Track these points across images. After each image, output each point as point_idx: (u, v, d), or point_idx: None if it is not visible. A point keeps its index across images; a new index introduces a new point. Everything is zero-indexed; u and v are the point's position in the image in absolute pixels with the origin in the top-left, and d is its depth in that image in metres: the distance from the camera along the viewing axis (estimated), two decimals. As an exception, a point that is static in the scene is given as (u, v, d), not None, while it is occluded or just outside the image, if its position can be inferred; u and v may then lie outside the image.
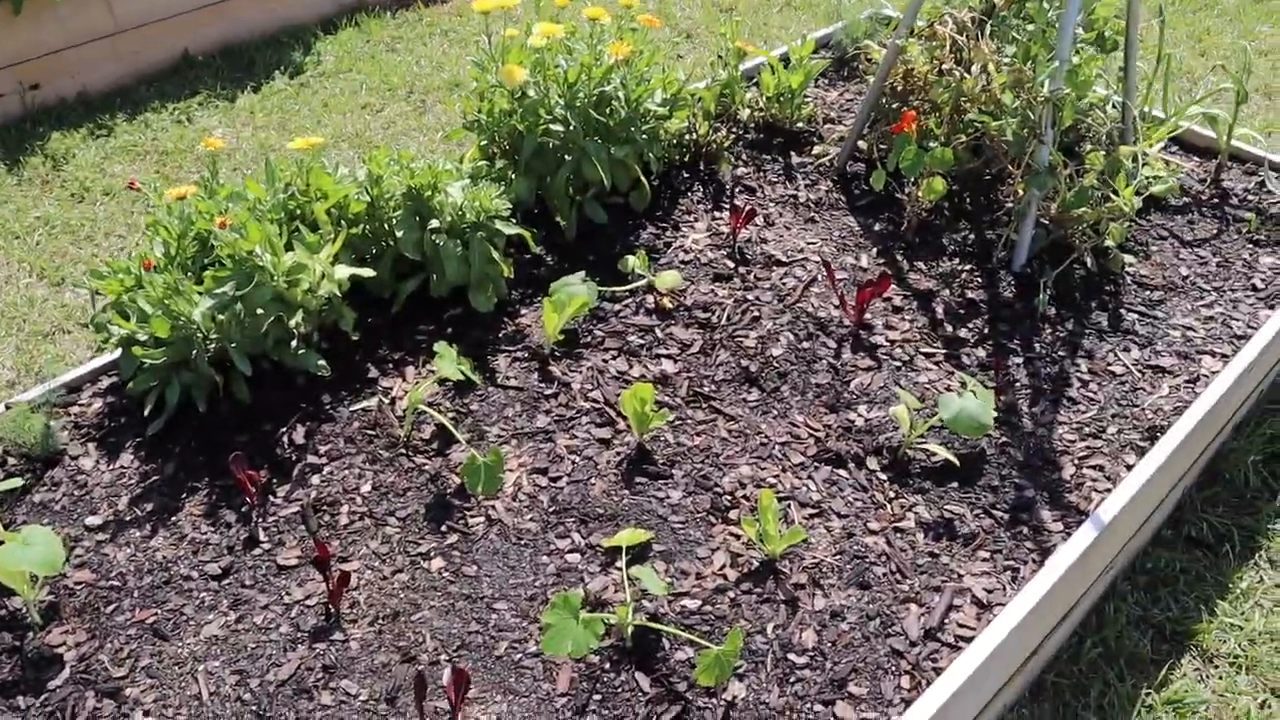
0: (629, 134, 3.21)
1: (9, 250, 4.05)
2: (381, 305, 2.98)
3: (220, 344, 2.55)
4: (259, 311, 2.55)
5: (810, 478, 2.51)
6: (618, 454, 2.58)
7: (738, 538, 2.37)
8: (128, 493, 2.54)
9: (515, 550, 2.39)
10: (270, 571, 2.37)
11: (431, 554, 2.39)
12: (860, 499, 2.47)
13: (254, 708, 2.13)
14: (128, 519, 2.49)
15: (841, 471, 2.53)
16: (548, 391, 2.75)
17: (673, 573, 2.30)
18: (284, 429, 2.66)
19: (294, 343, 2.62)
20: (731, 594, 2.25)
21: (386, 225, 2.86)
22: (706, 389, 2.74)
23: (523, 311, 3.01)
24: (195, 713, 2.13)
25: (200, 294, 2.54)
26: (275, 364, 2.74)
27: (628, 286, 3.01)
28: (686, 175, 3.55)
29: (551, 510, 2.46)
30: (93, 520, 2.48)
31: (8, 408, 2.71)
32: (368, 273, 2.77)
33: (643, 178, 3.26)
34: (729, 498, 2.46)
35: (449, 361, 2.54)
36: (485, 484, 2.44)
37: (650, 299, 3.00)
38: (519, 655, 2.18)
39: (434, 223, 2.84)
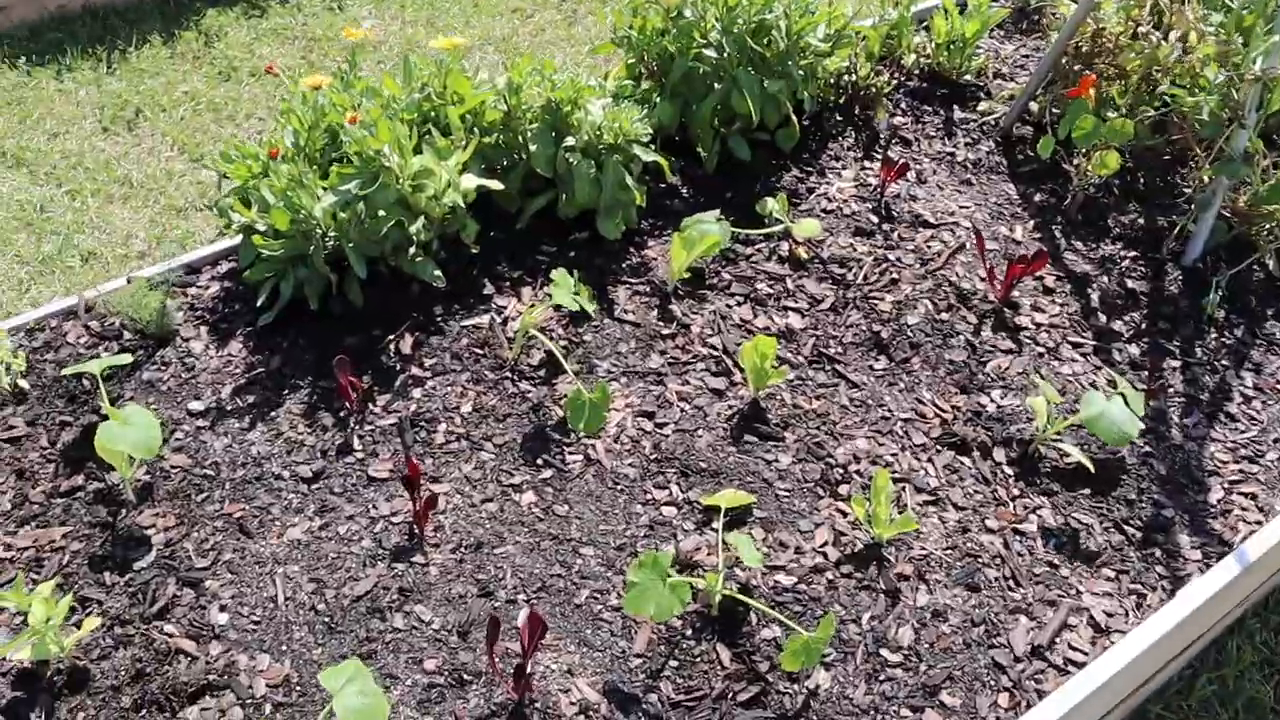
0: (785, 68, 3.01)
1: (155, 122, 4.08)
2: (505, 220, 2.88)
3: (338, 242, 2.48)
4: (380, 213, 2.48)
5: (930, 461, 2.34)
6: (730, 407, 2.45)
7: (844, 515, 2.22)
8: (232, 381, 2.52)
9: (610, 495, 2.28)
10: (360, 482, 2.32)
11: (524, 487, 2.30)
12: (980, 492, 2.29)
13: (326, 619, 2.09)
14: (229, 408, 2.47)
15: (964, 459, 2.35)
16: (665, 331, 2.62)
17: (771, 543, 2.17)
18: (392, 337, 2.60)
19: (412, 249, 2.54)
20: (830, 575, 2.12)
21: (521, 138, 2.74)
22: (832, 350, 2.57)
23: (650, 243, 2.87)
24: (269, 614, 2.10)
25: (324, 189, 2.47)
26: (392, 269, 2.67)
27: (763, 230, 2.84)
28: (839, 119, 3.34)
29: (653, 458, 2.35)
30: (195, 405, 2.47)
31: (129, 281, 2.71)
32: (496, 185, 2.66)
33: (793, 116, 3.06)
34: (840, 471, 2.30)
35: (565, 290, 2.43)
36: (588, 421, 2.33)
37: (785, 247, 2.83)
38: (599, 607, 2.09)
39: (570, 140, 2.71)
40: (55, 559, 2.20)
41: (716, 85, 2.97)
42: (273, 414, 2.45)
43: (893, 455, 2.34)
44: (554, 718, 1.93)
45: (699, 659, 2.00)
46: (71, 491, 2.32)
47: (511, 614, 2.08)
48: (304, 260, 2.55)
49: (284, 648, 2.06)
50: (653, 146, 2.82)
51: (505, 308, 2.68)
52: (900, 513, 2.21)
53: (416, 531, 2.21)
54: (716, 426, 2.41)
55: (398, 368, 2.54)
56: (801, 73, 3.05)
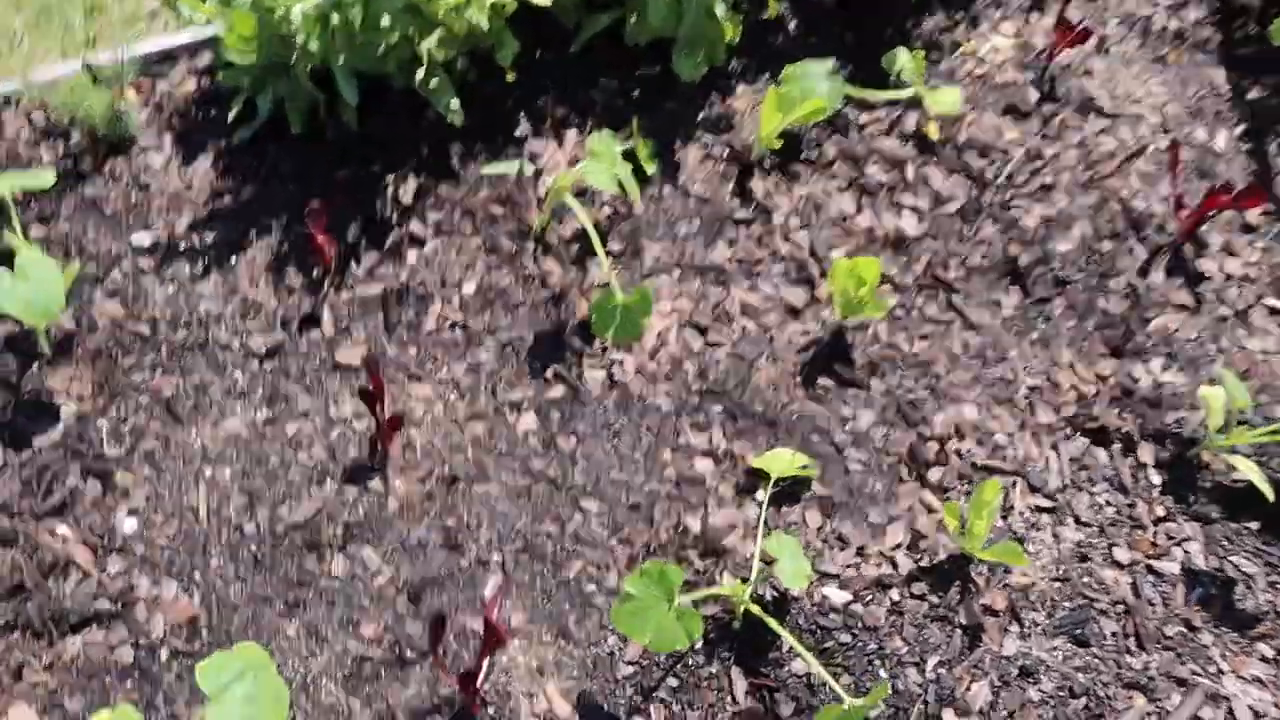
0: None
1: None
2: (557, 42, 2.24)
3: (325, 57, 1.91)
4: (383, 24, 1.88)
5: (1055, 449, 1.77)
6: (805, 334, 1.89)
7: (931, 511, 1.69)
8: (190, 212, 2.01)
9: (632, 430, 1.78)
10: (323, 368, 1.84)
11: (524, 406, 1.80)
12: (1114, 505, 1.73)
13: (252, 547, 1.66)
14: (181, 247, 1.97)
15: (1100, 453, 1.78)
16: (740, 215, 2.04)
17: (827, 535, 1.66)
18: (391, 178, 2.05)
19: (421, 71, 1.96)
20: (896, 594, 1.61)
21: (586, -66, 2.09)
22: (951, 274, 1.96)
23: (738, 90, 2.23)
24: (186, 530, 1.68)
25: (314, -21, 1.88)
26: (403, 89, 2.09)
27: (886, 94, 2.18)
28: (1009, -52, 2.57)
29: (696, 388, 1.82)
30: (141, 239, 1.98)
31: (87, 66, 2.18)
32: (543, 0, 2.03)
33: (949, -59, 2.33)
34: (936, 446, 1.75)
35: (604, 166, 1.83)
36: (620, 328, 1.80)
37: (912, 120, 2.17)
38: (592, 587, 1.62)
39: (648, -55, 2.05)
40: (-59, 419, 1.78)
41: (856, -113, 2.24)
42: (232, 260, 1.96)
43: (1007, 436, 1.77)
44: (509, 732, 1.51)
45: (706, 683, 1.54)
46: (-19, 329, 1.89)
47: (479, 578, 1.63)
48: (285, 71, 1.98)
49: (197, 577, 1.64)
50: (756, -34, 2.14)
51: (541, 155, 2.10)
52: (1004, 518, 1.67)
53: (379, 449, 1.74)
54: (784, 358, 1.86)
55: (393, 220, 2.01)
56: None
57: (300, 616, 1.61)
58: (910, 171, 2.09)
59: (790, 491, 1.70)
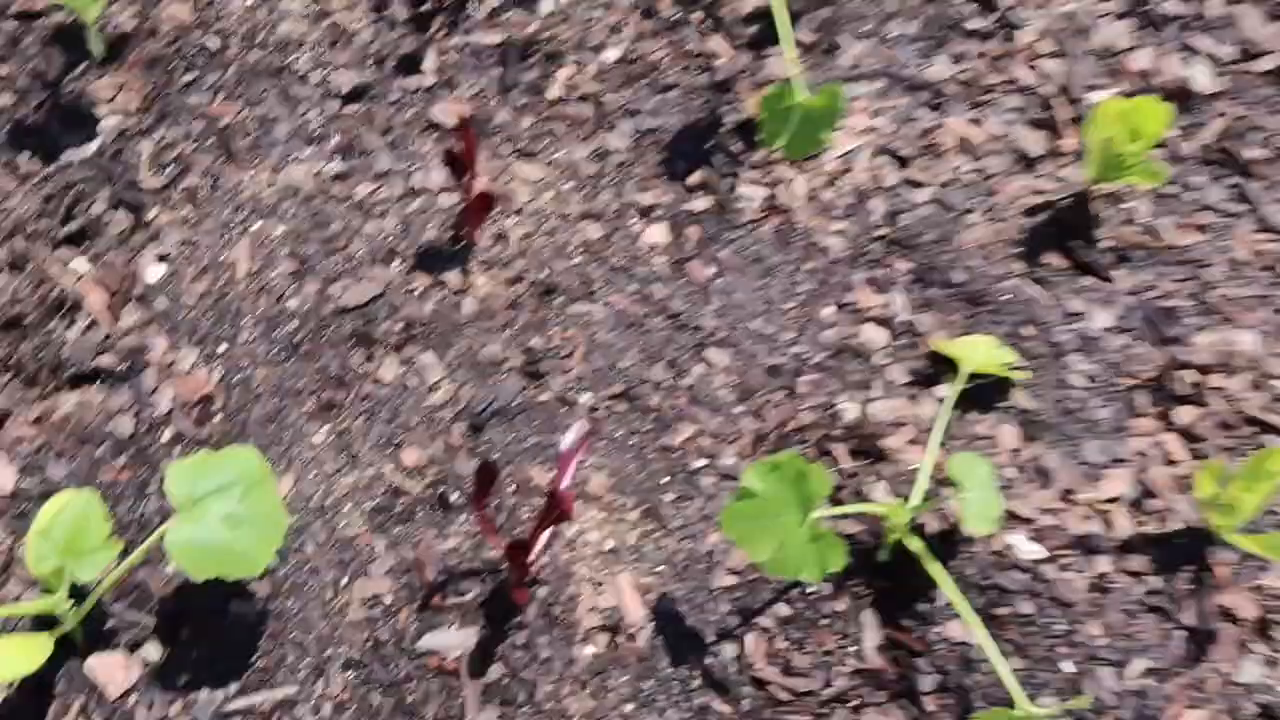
0: None
1: None
2: None
3: None
4: None
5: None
6: (1038, 193, 1.42)
7: (1170, 464, 1.24)
8: (294, -95, 1.62)
9: (788, 271, 1.36)
10: (416, 122, 1.47)
11: (655, 213, 1.40)
12: None
13: (291, 326, 1.33)
14: (275, -54, 1.59)
15: None
16: (974, 24, 1.53)
17: (1025, 463, 1.23)
18: (545, -98, 1.61)
19: None
20: (1105, 564, 1.17)
21: None
22: (1250, 152, 1.44)
23: None
24: (217, 291, 1.36)
25: None
26: None
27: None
28: None
29: (881, 234, 1.38)
30: (229, -73, 1.60)
31: None
32: None
33: None
34: (1193, 375, 1.28)
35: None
36: (794, 138, 1.36)
37: (1230, -64, 1.62)
38: (701, 463, 1.25)
39: None
40: (-32, 106, 1.47)
41: None
42: (332, -32, 1.57)
43: (1296, 376, 1.29)
44: (558, 624, 1.16)
45: (827, 623, 1.16)
46: (28, 16, 1.55)
47: (558, 419, 1.26)
48: None
49: (221, 349, 1.33)
50: None
51: (734, -94, 1.63)
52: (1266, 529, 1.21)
53: (463, 235, 1.37)
54: (1006, 217, 1.40)
55: (537, -46, 1.58)
56: None
57: (333, 422, 1.28)
58: (1214, 3, 1.55)
59: (981, 395, 1.27)
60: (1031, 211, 1.40)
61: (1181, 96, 1.49)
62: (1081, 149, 1.42)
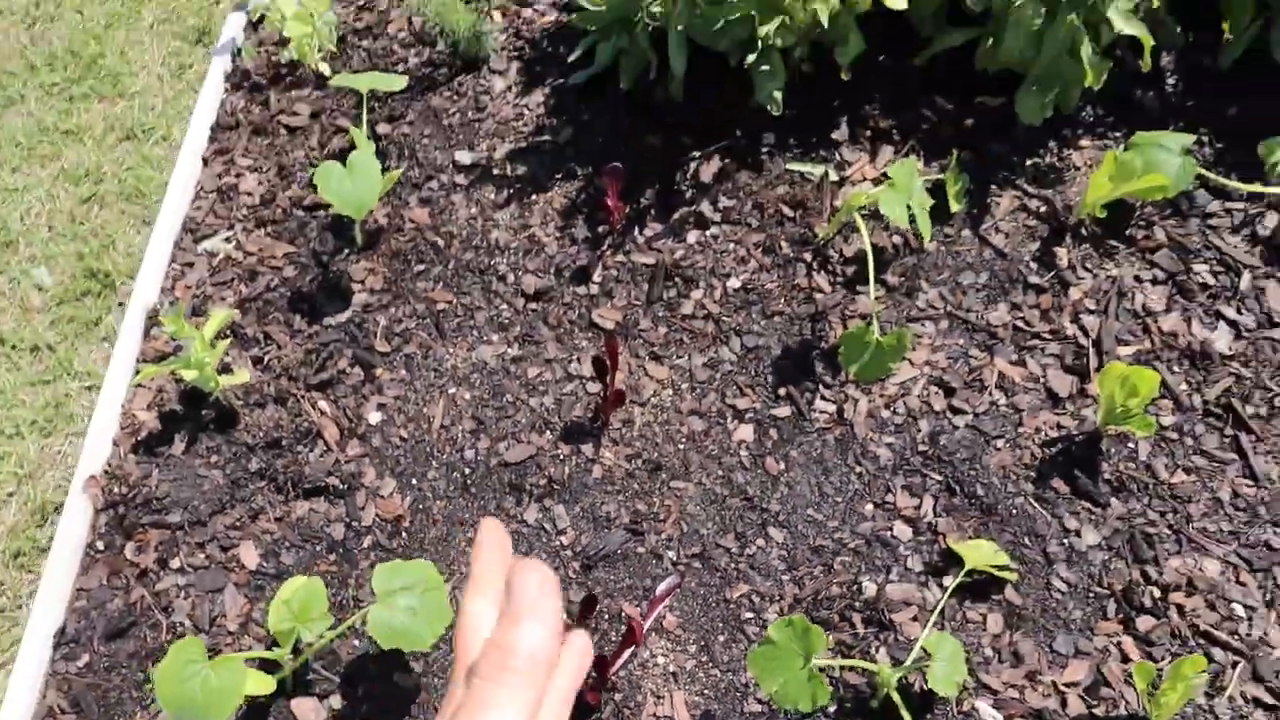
0: None
1: None
2: (903, 48, 2.15)
3: (664, 21, 1.94)
4: None
5: (1303, 640, 1.55)
6: (1057, 428, 1.75)
7: (1126, 661, 1.54)
8: (513, 140, 2.15)
9: (841, 474, 1.74)
10: (579, 323, 1.93)
11: (747, 416, 1.81)
12: (1358, 723, 1.50)
13: (465, 471, 1.79)
14: (495, 172, 2.11)
15: (1361, 664, 1.54)
16: (1033, 280, 1.90)
17: (1004, 646, 1.56)
18: (698, 154, 2.08)
19: (754, 54, 1.95)
20: (1055, 735, 1.49)
21: (961, -54, 1.97)
22: (1250, 408, 1.74)
23: (1082, 143, 2.05)
24: (419, 436, 1.84)
25: (675, -53, 1.90)
26: (733, 69, 2.09)
27: (1250, 187, 1.93)
28: None
29: (922, 449, 1.75)
30: (463, 156, 2.14)
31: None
32: (899, 3, 1.95)
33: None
34: (1156, 593, 1.59)
35: (900, 197, 1.75)
36: (865, 367, 1.75)
37: (1271, 221, 1.92)
38: (749, 615, 1.63)
39: (1022, -30, 1.90)
40: (264, 280, 2.03)
41: (1296, -59, 1.96)
42: (532, 198, 2.07)
43: (1247, 609, 1.57)
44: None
45: (825, 752, 1.52)
46: (314, 208, 2.12)
47: (648, 568, 1.68)
48: (629, 28, 2.04)
49: (413, 482, 1.80)
50: (1139, 13, 1.93)
51: (850, 165, 2.05)
52: (1211, 698, 1.50)
53: (602, 419, 1.81)
54: (1025, 446, 1.73)
55: (687, 195, 2.04)
56: None
57: (486, 548, 1.73)
58: (1245, 281, 1.85)
59: (981, 588, 1.61)
60: (1049, 443, 1.73)
61: (1202, 356, 1.79)
62: (1098, 395, 1.74)
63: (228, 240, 2.10)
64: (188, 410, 1.90)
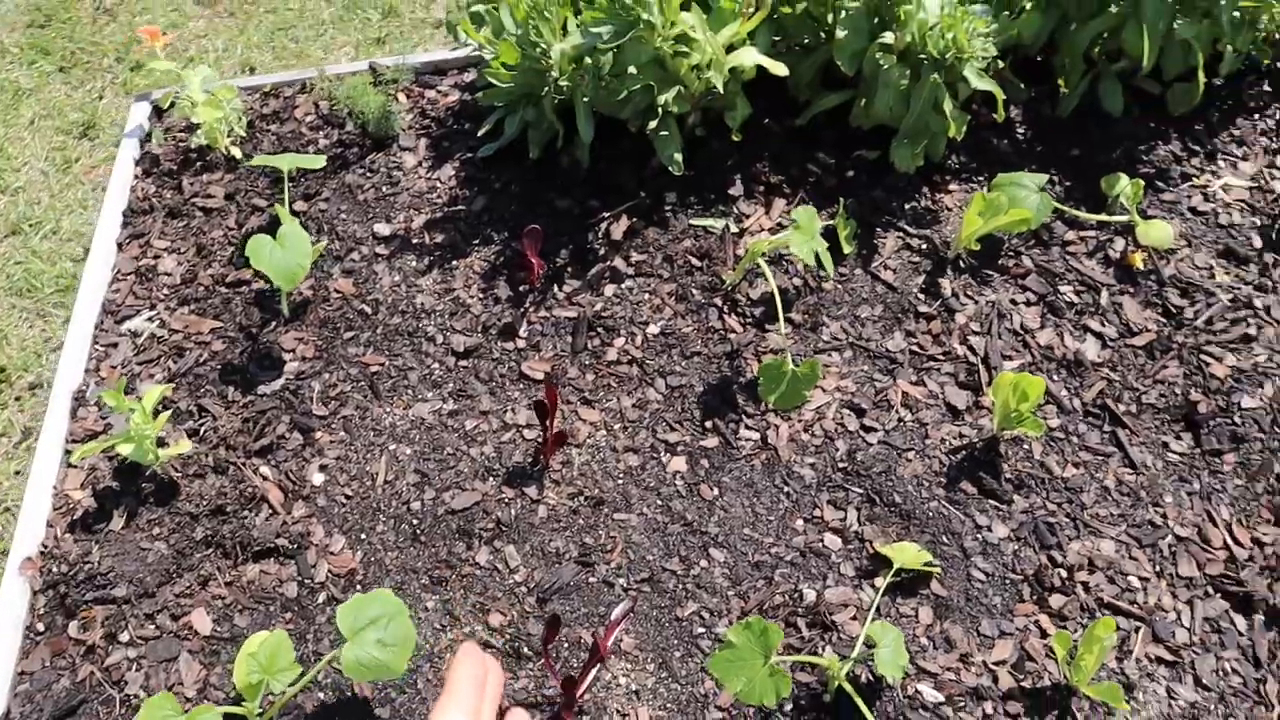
0: (1212, 6, 2.24)
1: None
2: (785, 112, 2.37)
3: (570, 93, 2.10)
4: (630, 71, 2.05)
5: (1189, 605, 1.74)
6: (959, 437, 1.93)
7: (1044, 636, 1.70)
8: (428, 212, 2.25)
9: (771, 495, 1.87)
10: (510, 375, 2.02)
11: (679, 449, 1.93)
12: (1242, 676, 1.68)
13: (413, 522, 1.85)
14: (414, 242, 2.21)
15: (1239, 619, 1.73)
16: (923, 309, 2.09)
17: (936, 634, 1.71)
18: (608, 215, 2.22)
19: (655, 120, 2.12)
20: (990, 707, 1.63)
21: (831, 17, 2.20)
22: (1123, 407, 1.96)
23: (951, 187, 2.29)
24: (363, 493, 1.89)
25: (576, 25, 2.07)
26: (633, 134, 2.26)
27: (1098, 217, 2.19)
28: (1267, 90, 2.51)
29: (842, 465, 1.89)
30: (382, 229, 2.23)
31: (371, 69, 2.46)
32: (780, 70, 2.15)
33: (1200, 72, 2.30)
34: (1063, 574, 1.76)
35: (805, 238, 1.93)
36: (783, 396, 1.90)
37: (1120, 246, 2.17)
38: (700, 630, 1.73)
39: (886, 37, 2.14)
40: (193, 355, 2.07)
41: (1112, 7, 2.26)
42: (453, 263, 2.17)
43: (1141, 580, 1.76)
44: (596, 744, 1.63)
45: (786, 747, 1.62)
46: (237, 284, 2.17)
47: (601, 596, 1.76)
48: (535, 101, 2.19)
49: (362, 537, 1.85)
50: (990, 71, 2.19)
51: (747, 217, 2.23)
52: (1120, 661, 1.67)
53: (542, 461, 1.90)
54: (933, 455, 1.90)
55: (600, 253, 2.18)
56: (1236, 15, 2.27)
57: (440, 593, 1.79)
58: (1104, 297, 2.09)
59: (909, 585, 1.76)
60: (954, 451, 1.91)
61: (1075, 364, 2.01)
62: (993, 405, 1.93)
63: (150, 320, 2.13)
64: (124, 486, 1.91)
